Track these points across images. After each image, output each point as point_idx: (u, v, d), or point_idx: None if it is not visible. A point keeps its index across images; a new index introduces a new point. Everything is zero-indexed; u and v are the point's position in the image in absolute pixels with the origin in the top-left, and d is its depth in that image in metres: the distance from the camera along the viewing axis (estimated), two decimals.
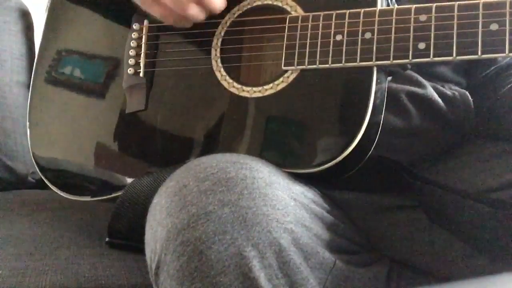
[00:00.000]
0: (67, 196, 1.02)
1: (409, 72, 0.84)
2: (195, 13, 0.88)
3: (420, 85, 0.87)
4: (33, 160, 1.08)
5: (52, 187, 1.04)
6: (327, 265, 0.71)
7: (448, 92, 0.88)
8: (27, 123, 1.11)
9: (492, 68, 0.94)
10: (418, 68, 0.87)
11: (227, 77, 0.88)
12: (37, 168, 1.08)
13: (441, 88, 0.88)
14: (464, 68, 0.94)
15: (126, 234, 0.92)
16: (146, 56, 0.97)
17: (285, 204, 0.69)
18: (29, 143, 1.10)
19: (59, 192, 1.03)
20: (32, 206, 1.20)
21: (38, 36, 1.19)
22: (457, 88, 0.90)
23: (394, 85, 0.85)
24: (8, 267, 0.90)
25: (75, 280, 0.88)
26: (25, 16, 1.57)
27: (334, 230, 0.76)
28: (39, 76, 1.13)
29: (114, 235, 0.94)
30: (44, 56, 1.14)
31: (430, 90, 0.86)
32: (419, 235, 0.83)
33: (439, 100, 0.86)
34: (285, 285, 0.65)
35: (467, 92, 0.89)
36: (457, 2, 0.74)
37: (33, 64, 1.15)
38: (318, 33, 0.81)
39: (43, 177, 1.06)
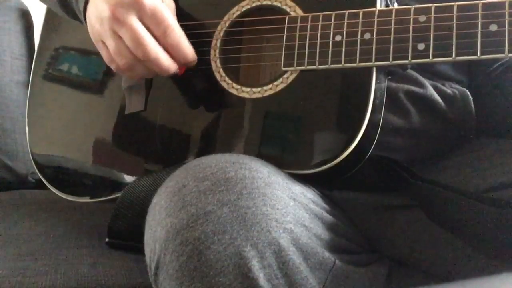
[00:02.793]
0: (65, 197, 1.02)
1: (408, 71, 0.84)
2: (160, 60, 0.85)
3: (419, 84, 0.87)
4: (32, 160, 1.08)
5: (50, 187, 1.04)
6: (326, 265, 0.70)
7: (448, 91, 0.88)
8: (26, 123, 1.11)
9: (496, 65, 0.93)
10: (418, 66, 0.87)
11: (227, 78, 0.88)
12: (35, 168, 1.08)
13: (441, 86, 0.88)
14: (465, 65, 0.93)
15: (126, 235, 0.92)
16: None
17: (285, 204, 0.69)
18: (28, 143, 1.10)
19: (57, 192, 1.03)
20: (32, 206, 1.20)
21: (38, 36, 1.19)
22: (457, 86, 0.90)
23: (393, 84, 0.85)
24: (8, 267, 0.90)
25: (75, 280, 0.88)
26: (25, 16, 1.57)
27: (334, 230, 0.76)
28: (38, 76, 1.13)
29: (113, 235, 0.94)
30: (42, 55, 1.14)
31: (429, 89, 0.86)
32: (419, 235, 0.83)
33: (439, 99, 0.86)
34: (285, 285, 0.65)
35: (467, 91, 0.89)
36: (457, 3, 0.74)
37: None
38: (317, 33, 0.81)
39: (41, 177, 1.06)
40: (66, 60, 1.10)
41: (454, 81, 0.91)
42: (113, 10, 0.83)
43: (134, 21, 0.83)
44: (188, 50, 0.86)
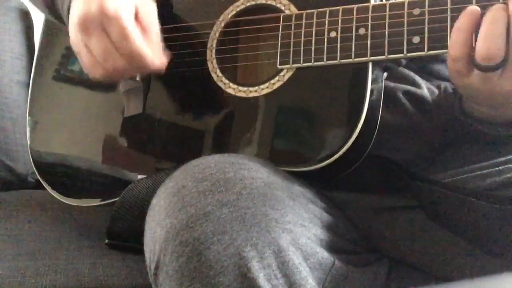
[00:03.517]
0: (65, 201, 1.03)
1: (406, 71, 0.83)
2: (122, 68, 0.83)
3: (417, 84, 0.86)
4: (32, 162, 1.08)
5: (50, 190, 1.04)
6: (326, 265, 0.70)
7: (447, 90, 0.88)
8: (27, 125, 1.11)
9: None
10: (415, 66, 0.86)
11: (223, 78, 0.88)
12: (35, 169, 1.08)
13: (439, 86, 0.88)
14: None
15: (125, 236, 0.92)
16: None
17: (284, 204, 0.69)
18: (28, 144, 1.10)
19: (57, 195, 1.03)
20: (32, 206, 1.20)
21: (38, 36, 1.19)
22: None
23: (391, 84, 0.85)
24: (8, 267, 0.90)
25: (75, 280, 0.88)
26: (25, 16, 1.57)
27: (333, 230, 0.76)
28: (39, 76, 1.13)
29: (113, 237, 0.94)
30: (43, 56, 1.14)
31: (426, 90, 0.86)
32: (419, 235, 0.82)
33: (437, 98, 0.86)
34: (284, 285, 0.65)
35: None
36: None
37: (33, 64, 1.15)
38: (312, 30, 0.81)
39: (41, 180, 1.06)
40: (67, 61, 1.10)
41: (450, 80, 0.91)
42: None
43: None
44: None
